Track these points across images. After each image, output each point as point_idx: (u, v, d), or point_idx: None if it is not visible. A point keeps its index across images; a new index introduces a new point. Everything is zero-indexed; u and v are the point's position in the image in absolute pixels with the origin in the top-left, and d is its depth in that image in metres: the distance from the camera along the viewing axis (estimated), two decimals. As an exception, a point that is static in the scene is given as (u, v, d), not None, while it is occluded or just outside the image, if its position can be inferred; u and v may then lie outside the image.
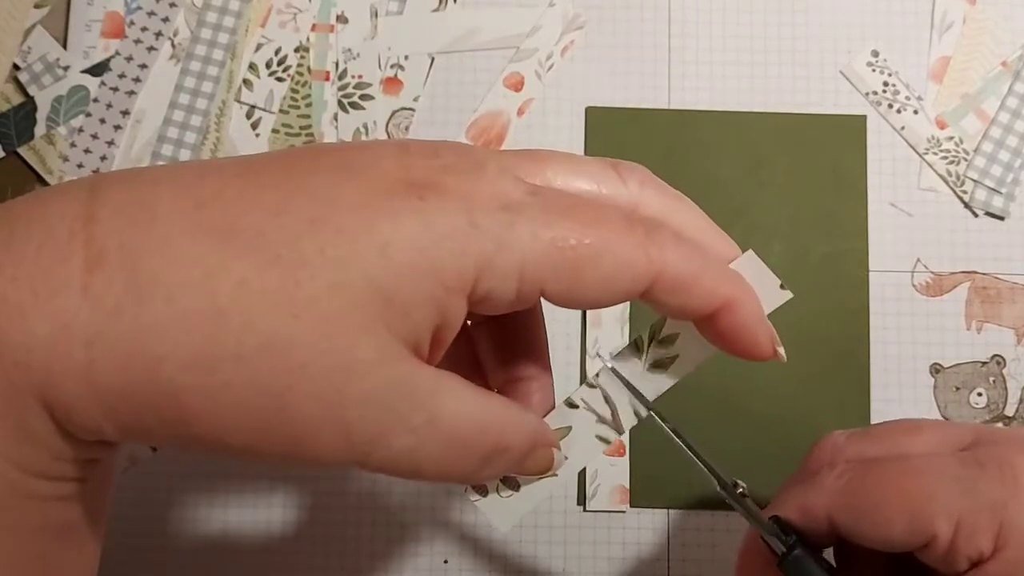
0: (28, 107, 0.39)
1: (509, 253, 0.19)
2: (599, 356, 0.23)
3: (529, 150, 0.22)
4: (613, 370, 0.24)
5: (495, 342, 0.25)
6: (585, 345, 0.38)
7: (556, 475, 0.24)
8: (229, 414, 0.19)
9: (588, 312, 0.38)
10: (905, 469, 0.25)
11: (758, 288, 0.23)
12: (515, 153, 0.22)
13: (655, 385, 0.24)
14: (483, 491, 0.25)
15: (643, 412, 0.24)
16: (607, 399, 0.24)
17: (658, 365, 0.24)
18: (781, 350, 0.23)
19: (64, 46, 0.40)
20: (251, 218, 0.19)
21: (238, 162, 0.20)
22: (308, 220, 0.19)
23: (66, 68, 0.39)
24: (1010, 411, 0.38)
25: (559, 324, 0.38)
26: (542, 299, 0.21)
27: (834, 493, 0.25)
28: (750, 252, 0.23)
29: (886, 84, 0.40)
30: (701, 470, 0.26)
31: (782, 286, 0.23)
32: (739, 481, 0.26)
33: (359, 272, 0.19)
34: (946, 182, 0.39)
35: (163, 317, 0.18)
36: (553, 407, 0.25)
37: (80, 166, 0.39)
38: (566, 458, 0.24)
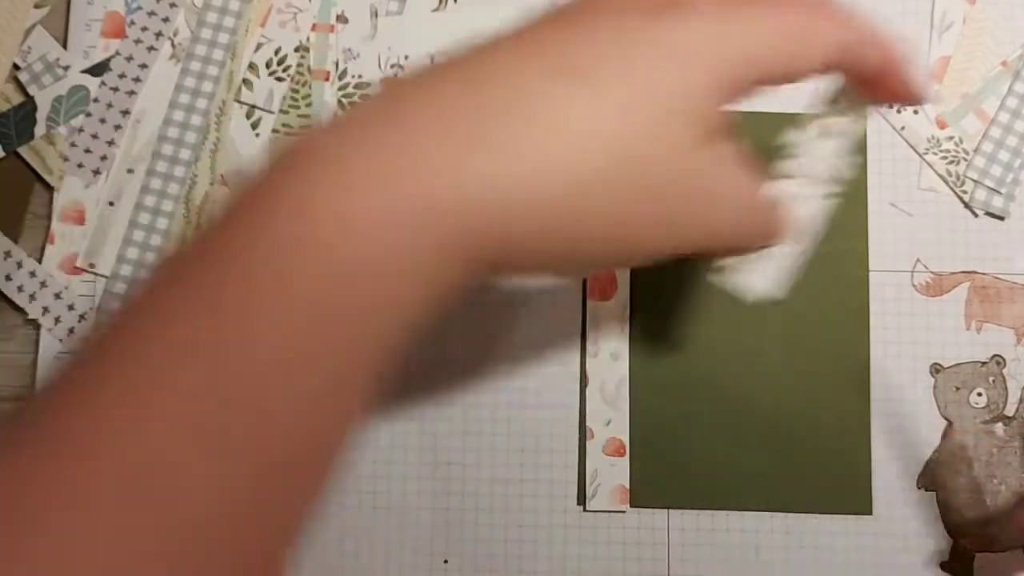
0: (28, 107, 0.39)
1: (748, 44, 0.24)
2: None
3: None
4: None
5: None
6: (585, 345, 0.38)
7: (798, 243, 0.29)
8: (588, 231, 0.23)
9: (588, 312, 0.38)
10: None
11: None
12: None
13: (844, 143, 0.29)
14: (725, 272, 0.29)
15: (853, 162, 0.29)
16: (815, 160, 0.29)
17: (835, 125, 0.29)
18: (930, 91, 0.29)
19: (64, 46, 0.40)
20: (574, 58, 0.23)
21: (536, 26, 0.24)
22: (605, 54, 0.23)
23: (66, 68, 0.39)
24: (1010, 411, 0.38)
25: (559, 324, 0.38)
26: None
27: None
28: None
29: (886, 84, 0.40)
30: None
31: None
32: None
33: (665, 89, 0.23)
34: (946, 182, 0.39)
35: (539, 154, 0.22)
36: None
37: (80, 166, 0.39)
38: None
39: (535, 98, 0.22)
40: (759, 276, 0.28)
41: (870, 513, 0.37)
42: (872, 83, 0.27)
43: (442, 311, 0.23)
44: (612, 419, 0.37)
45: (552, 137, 0.22)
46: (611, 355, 0.38)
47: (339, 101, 0.39)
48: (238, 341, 0.20)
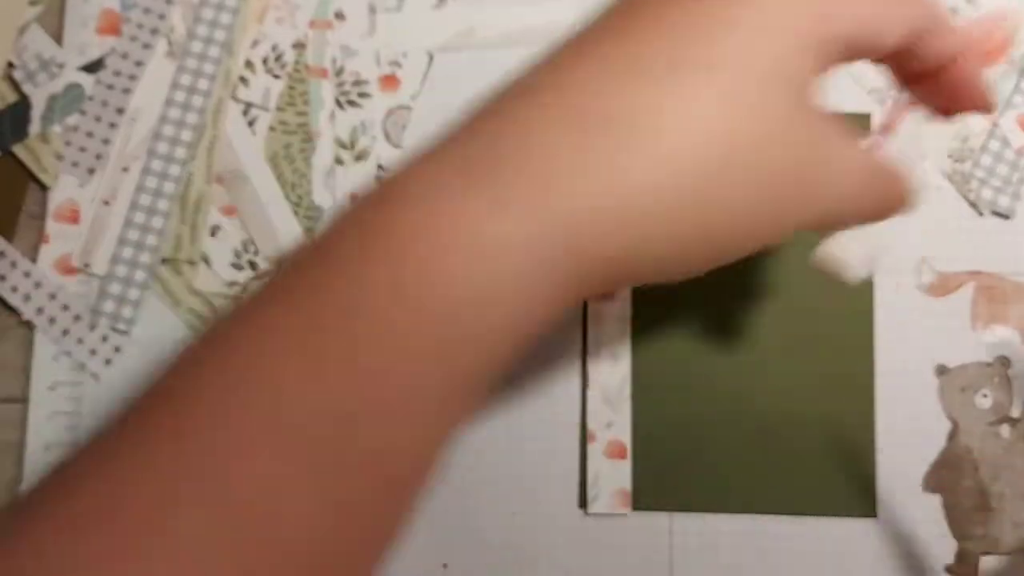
0: (23, 105, 0.39)
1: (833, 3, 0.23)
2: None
3: None
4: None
5: None
6: (586, 345, 0.37)
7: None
8: (713, 227, 0.22)
9: (589, 311, 0.37)
10: None
11: None
12: None
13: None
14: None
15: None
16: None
17: None
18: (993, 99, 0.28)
19: (59, 43, 0.39)
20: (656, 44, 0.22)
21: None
22: (689, 39, 0.22)
23: (61, 66, 0.39)
24: (1016, 412, 0.37)
25: (559, 324, 0.38)
26: None
27: None
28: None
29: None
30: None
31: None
32: None
33: (760, 62, 0.22)
34: (951, 181, 0.39)
35: (649, 160, 0.21)
36: None
37: (75, 164, 0.38)
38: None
39: (635, 101, 0.21)
40: (856, 255, 0.28)
41: (874, 516, 0.37)
42: (936, 79, 0.26)
43: (551, 325, 0.23)
44: (613, 421, 0.37)
45: (669, 135, 0.21)
46: (612, 356, 0.37)
47: (336, 99, 0.39)
48: (362, 367, 0.20)
